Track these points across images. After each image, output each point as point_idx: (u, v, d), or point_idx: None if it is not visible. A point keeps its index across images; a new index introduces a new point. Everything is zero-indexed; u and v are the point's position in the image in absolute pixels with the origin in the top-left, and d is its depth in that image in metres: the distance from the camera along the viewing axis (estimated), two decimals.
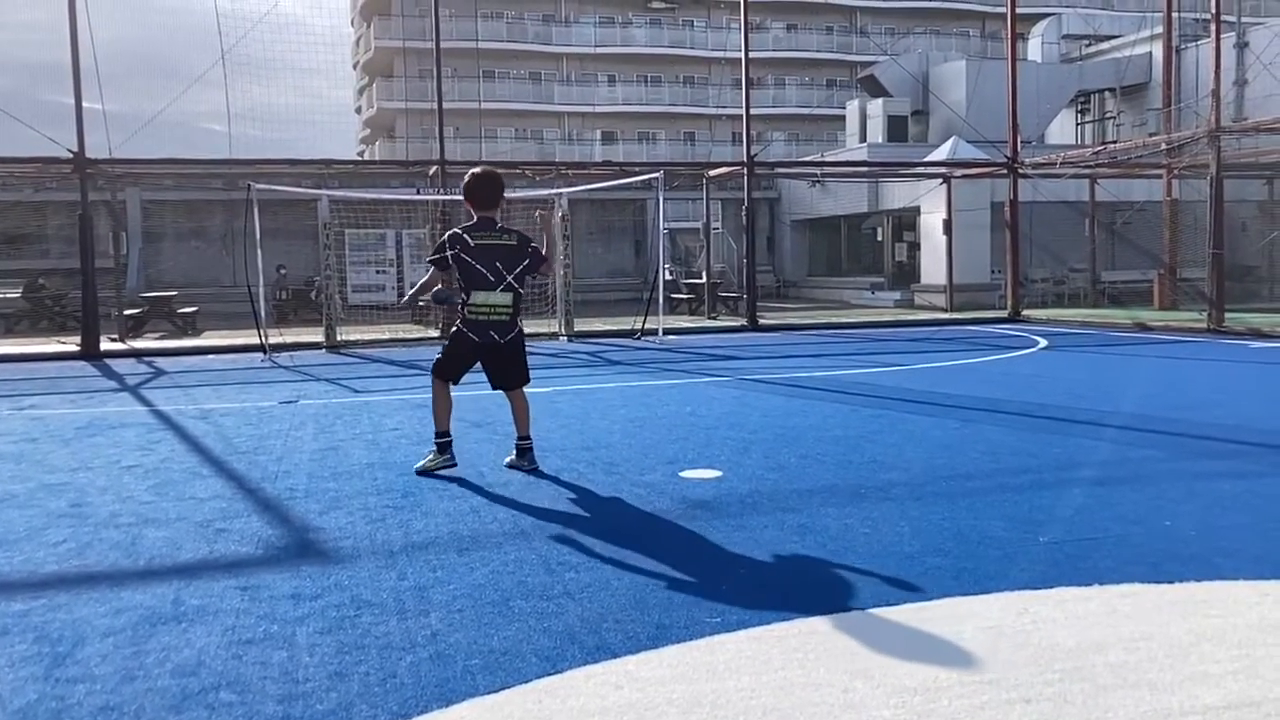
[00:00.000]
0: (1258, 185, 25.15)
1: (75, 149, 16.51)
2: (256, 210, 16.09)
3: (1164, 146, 20.36)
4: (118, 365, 14.89)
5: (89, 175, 16.92)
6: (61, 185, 19.17)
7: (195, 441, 7.85)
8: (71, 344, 16.88)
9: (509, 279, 6.15)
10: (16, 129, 16.71)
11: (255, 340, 16.04)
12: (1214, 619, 3.56)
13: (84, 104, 16.52)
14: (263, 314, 16.24)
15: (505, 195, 6.50)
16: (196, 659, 3.37)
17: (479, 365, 6.36)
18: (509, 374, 6.36)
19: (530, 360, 6.52)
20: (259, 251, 16.30)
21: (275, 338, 16.47)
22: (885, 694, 3.00)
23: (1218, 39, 18.19)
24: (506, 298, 6.16)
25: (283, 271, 24.30)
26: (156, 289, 23.61)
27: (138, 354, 16.51)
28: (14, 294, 23.05)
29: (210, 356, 16.09)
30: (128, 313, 19.17)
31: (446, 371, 6.34)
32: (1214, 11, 18.07)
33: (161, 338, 18.96)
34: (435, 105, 19.33)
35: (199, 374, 13.40)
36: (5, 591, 4.17)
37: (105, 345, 16.79)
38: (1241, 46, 28.27)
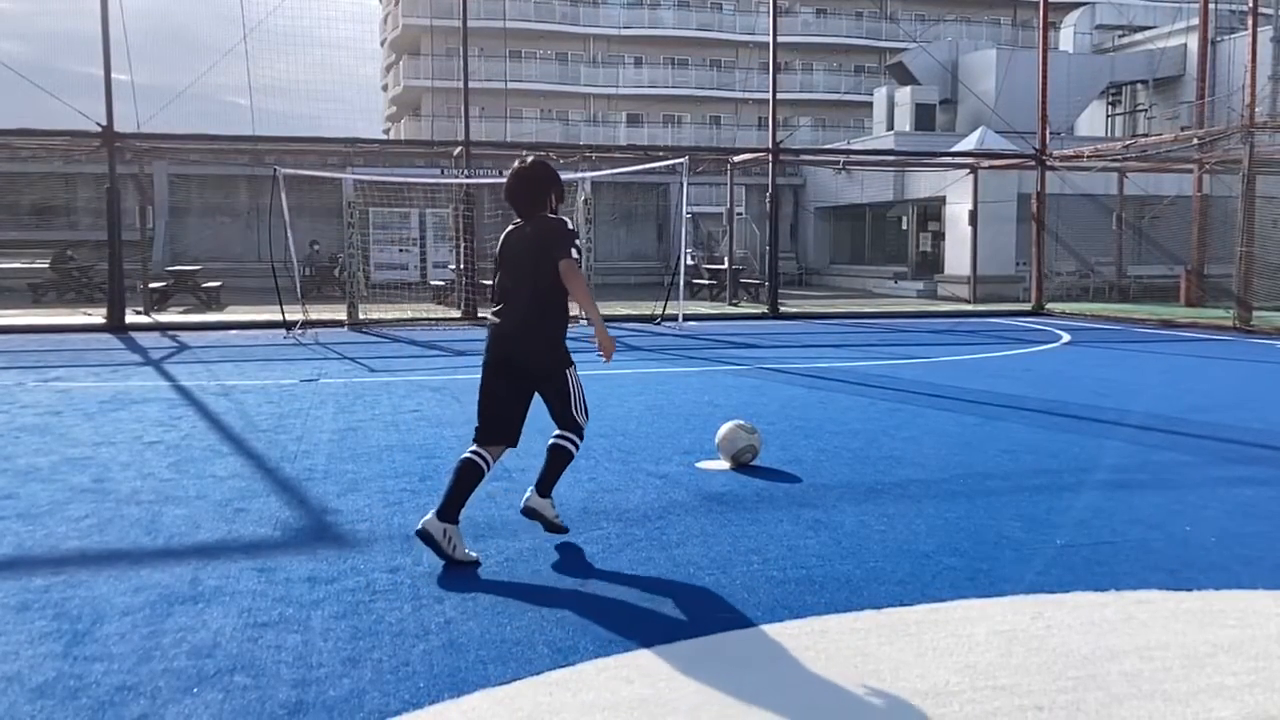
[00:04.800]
0: None
1: (103, 122, 16.60)
2: (284, 190, 16.17)
3: (1195, 141, 20.07)
4: (142, 339, 15.01)
5: (117, 149, 17.03)
6: (90, 158, 19.30)
7: (216, 418, 7.92)
8: (97, 316, 17.04)
9: None
10: (43, 100, 16.82)
11: (278, 316, 16.12)
12: (1232, 629, 3.52)
13: (112, 75, 16.60)
14: (295, 289, 16.35)
15: None
16: (212, 640, 3.40)
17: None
18: None
19: None
20: (289, 231, 16.39)
21: (298, 314, 16.56)
22: (896, 697, 2.99)
23: (1254, 32, 17.91)
24: None
25: (316, 248, 24.40)
26: (181, 263, 23.80)
27: (162, 328, 16.64)
28: (42, 264, 23.30)
29: (233, 332, 16.20)
30: (152, 286, 19.32)
31: None
32: (1251, 4, 17.77)
33: (185, 311, 19.10)
34: (461, 85, 19.30)
35: (222, 349, 13.50)
36: (28, 566, 4.22)
37: (130, 318, 16.94)
38: (1279, 40, 27.82)
